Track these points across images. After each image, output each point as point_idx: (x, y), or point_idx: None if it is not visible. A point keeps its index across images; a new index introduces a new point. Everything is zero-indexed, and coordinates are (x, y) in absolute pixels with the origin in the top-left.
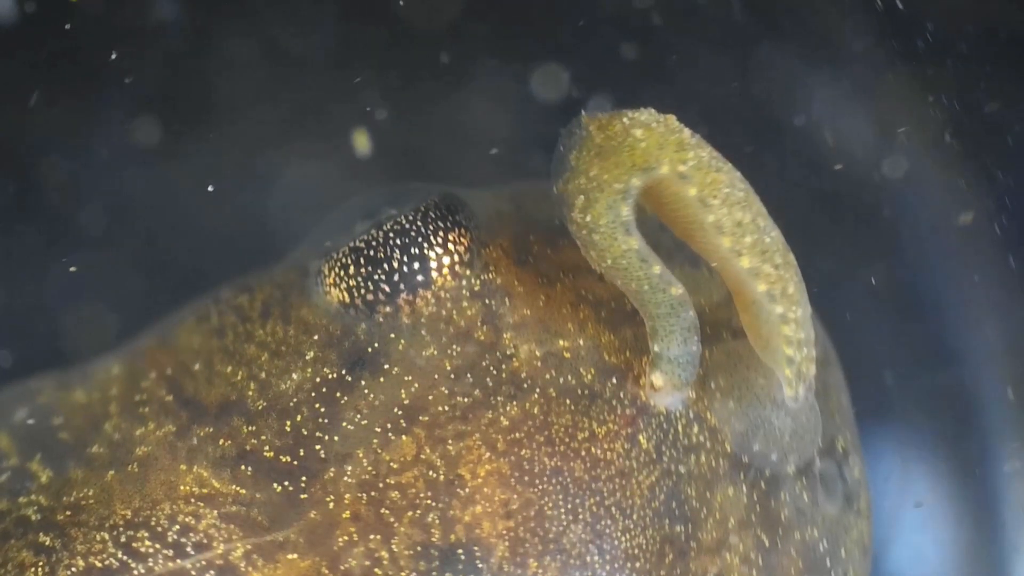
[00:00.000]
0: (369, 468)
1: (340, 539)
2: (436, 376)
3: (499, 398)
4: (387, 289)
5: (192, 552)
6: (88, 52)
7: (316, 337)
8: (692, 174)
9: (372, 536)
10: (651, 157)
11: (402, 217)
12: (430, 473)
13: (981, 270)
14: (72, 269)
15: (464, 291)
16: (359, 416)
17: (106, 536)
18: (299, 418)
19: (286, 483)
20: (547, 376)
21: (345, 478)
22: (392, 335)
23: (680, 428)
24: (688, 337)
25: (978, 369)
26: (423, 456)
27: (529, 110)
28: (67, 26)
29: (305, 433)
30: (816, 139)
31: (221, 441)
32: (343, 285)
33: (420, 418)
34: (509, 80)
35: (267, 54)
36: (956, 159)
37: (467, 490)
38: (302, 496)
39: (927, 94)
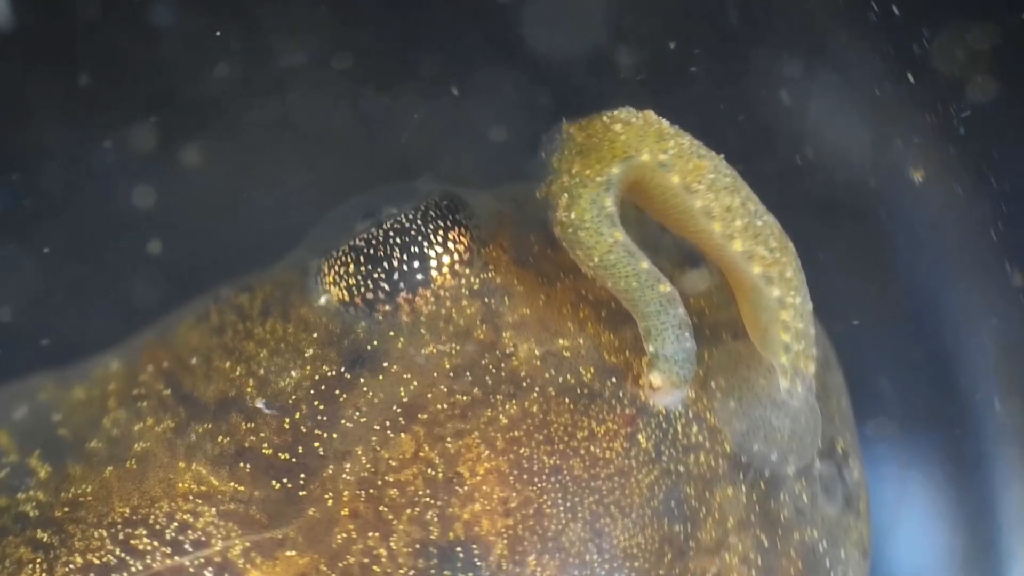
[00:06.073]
0: (368, 466)
1: (339, 536)
2: (435, 374)
3: (498, 397)
4: (387, 287)
5: (190, 549)
6: (87, 54)
7: (316, 335)
8: (673, 162)
9: (371, 533)
10: (631, 148)
11: (402, 216)
12: (429, 471)
13: (977, 276)
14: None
15: (464, 290)
16: (358, 414)
17: (104, 533)
18: (298, 415)
19: (285, 480)
20: (546, 375)
21: (344, 475)
22: (392, 333)
23: (679, 428)
24: (680, 334)
25: (975, 374)
26: (422, 454)
27: (529, 112)
28: (66, 29)
29: (304, 430)
30: (812, 145)
31: (220, 438)
32: (343, 283)
33: (419, 416)
34: (509, 82)
35: (265, 55)
36: (952, 165)
37: (466, 488)
38: (301, 493)
39: (923, 99)
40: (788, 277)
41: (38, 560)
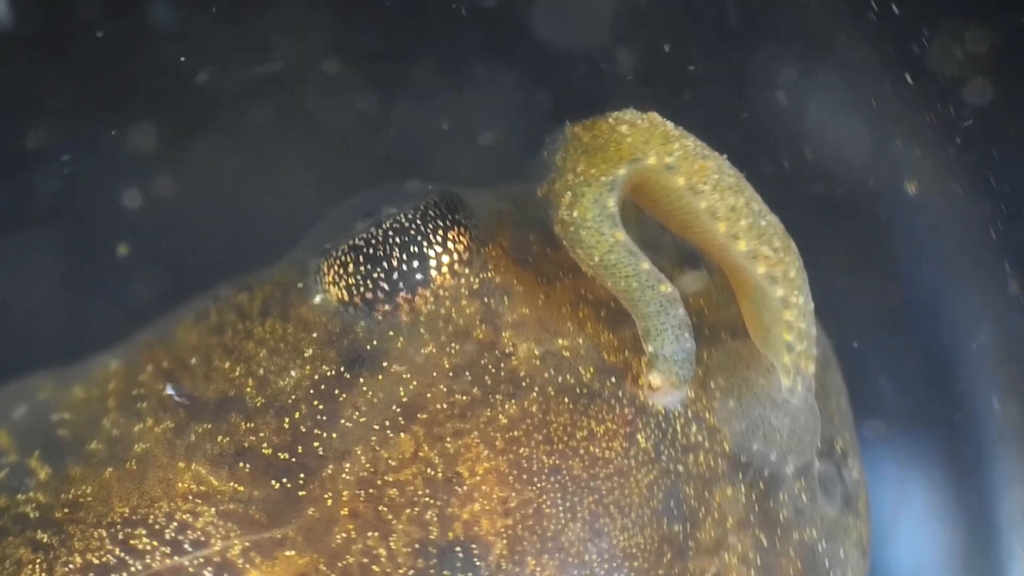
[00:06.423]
0: (367, 465)
1: (338, 536)
2: (435, 374)
3: (498, 396)
4: (386, 287)
5: (190, 549)
6: (87, 54)
7: (315, 335)
8: (678, 164)
9: (370, 533)
10: (637, 150)
11: (402, 215)
12: (428, 471)
13: (977, 276)
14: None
15: (463, 289)
16: (358, 413)
17: (104, 533)
18: (298, 415)
19: (284, 480)
20: (546, 375)
21: (343, 475)
22: (391, 333)
23: (679, 427)
24: (680, 334)
25: (974, 374)
26: (421, 454)
27: (529, 111)
28: (66, 29)
29: (303, 430)
30: (812, 146)
31: (219, 438)
32: (342, 283)
33: (419, 416)
34: (509, 83)
35: (265, 56)
36: (951, 165)
37: (465, 488)
38: (300, 493)
39: (922, 100)
40: (792, 277)
41: (38, 560)
